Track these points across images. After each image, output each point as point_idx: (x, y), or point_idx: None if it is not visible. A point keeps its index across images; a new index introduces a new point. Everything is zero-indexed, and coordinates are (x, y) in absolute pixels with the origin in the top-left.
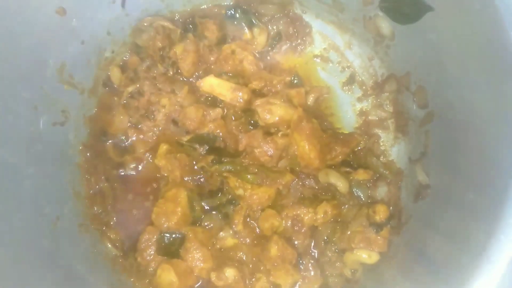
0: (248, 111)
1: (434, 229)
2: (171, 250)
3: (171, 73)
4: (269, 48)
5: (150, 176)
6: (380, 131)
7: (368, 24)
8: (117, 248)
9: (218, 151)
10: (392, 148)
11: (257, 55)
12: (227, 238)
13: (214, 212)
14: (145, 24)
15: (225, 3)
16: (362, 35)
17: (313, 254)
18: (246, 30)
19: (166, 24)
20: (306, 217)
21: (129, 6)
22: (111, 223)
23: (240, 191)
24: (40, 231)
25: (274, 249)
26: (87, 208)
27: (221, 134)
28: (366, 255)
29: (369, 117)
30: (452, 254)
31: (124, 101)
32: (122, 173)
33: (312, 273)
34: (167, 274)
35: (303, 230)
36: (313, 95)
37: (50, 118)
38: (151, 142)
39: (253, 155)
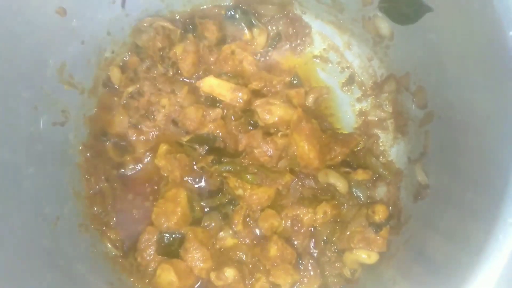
0: (247, 111)
1: (433, 229)
2: (171, 250)
3: (171, 73)
4: (269, 49)
5: (150, 176)
6: (380, 131)
7: (367, 25)
8: (117, 248)
9: (218, 151)
10: (391, 148)
11: (257, 55)
12: (226, 238)
13: (214, 212)
14: (145, 24)
15: (225, 4)
16: (361, 35)
17: (312, 254)
18: (246, 31)
19: (166, 24)
20: (306, 217)
21: (129, 6)
22: (111, 223)
23: (239, 191)
24: (40, 231)
25: (273, 249)
26: (87, 208)
27: (221, 134)
28: (366, 255)
29: (369, 118)
30: (451, 254)
31: (124, 101)
32: (122, 173)
33: (312, 273)
34: (167, 274)
35: (302, 230)
36: (312, 95)
37: (50, 118)
38: (151, 142)
39: (253, 155)
